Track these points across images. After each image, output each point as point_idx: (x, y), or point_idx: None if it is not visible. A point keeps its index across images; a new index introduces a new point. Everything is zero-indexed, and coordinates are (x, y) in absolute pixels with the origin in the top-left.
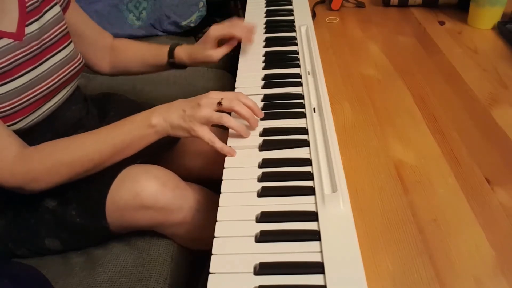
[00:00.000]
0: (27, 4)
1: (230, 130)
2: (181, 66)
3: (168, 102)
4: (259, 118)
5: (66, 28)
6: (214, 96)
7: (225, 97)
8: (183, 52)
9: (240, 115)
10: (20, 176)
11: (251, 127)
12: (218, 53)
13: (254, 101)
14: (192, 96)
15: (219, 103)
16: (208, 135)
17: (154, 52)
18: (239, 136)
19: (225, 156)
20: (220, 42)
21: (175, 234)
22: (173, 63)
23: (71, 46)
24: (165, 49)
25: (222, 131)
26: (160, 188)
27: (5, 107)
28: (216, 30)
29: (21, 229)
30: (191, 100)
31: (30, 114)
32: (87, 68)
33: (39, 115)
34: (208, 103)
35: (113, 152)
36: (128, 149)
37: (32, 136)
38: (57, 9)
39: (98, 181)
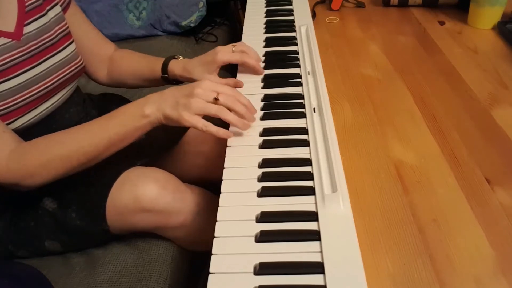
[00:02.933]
0: (27, 4)
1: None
2: (176, 81)
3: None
4: (253, 120)
5: (67, 28)
6: (210, 87)
7: (222, 91)
8: (177, 67)
9: (237, 115)
10: (16, 171)
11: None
12: (217, 81)
13: (249, 99)
14: None
15: (216, 99)
16: (200, 122)
17: (149, 66)
18: (238, 130)
19: (225, 155)
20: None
21: (175, 236)
22: (166, 79)
23: (72, 47)
24: (159, 63)
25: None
26: (160, 191)
27: (1, 106)
28: (225, 55)
29: (21, 231)
30: (184, 89)
31: (26, 113)
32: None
33: (36, 115)
34: (203, 95)
35: (108, 144)
36: (123, 141)
37: (29, 137)
38: (58, 9)
39: (98, 184)
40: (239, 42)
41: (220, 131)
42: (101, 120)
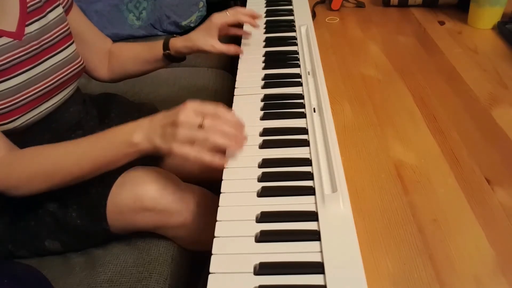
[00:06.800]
0: (28, 4)
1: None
2: (178, 58)
3: (168, 103)
4: (243, 139)
5: (68, 29)
6: (193, 110)
7: (207, 112)
8: (178, 41)
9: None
10: (1, 181)
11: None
12: (220, 46)
13: (236, 119)
14: (191, 97)
15: (200, 126)
16: (192, 152)
17: (149, 48)
18: (233, 151)
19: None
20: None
21: (175, 236)
22: (168, 55)
23: (72, 47)
24: (159, 42)
25: None
26: (160, 191)
27: (1, 105)
28: (219, 17)
29: (21, 231)
30: (170, 116)
31: (27, 113)
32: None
33: (36, 115)
34: (187, 123)
35: (93, 167)
36: (110, 165)
37: (30, 135)
38: (59, 10)
39: (98, 184)
40: (233, 7)
41: (215, 161)
42: (90, 140)
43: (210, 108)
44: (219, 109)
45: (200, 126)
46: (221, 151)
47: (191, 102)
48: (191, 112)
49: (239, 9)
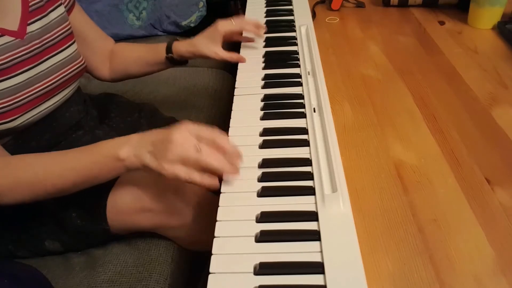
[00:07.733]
0: (30, 3)
1: (230, 127)
2: (180, 62)
3: (168, 103)
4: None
5: (69, 29)
6: (188, 132)
7: (203, 136)
8: (182, 45)
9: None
10: None
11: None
12: (223, 53)
13: (232, 148)
14: (191, 97)
15: (197, 149)
16: (182, 171)
17: (151, 50)
18: (229, 174)
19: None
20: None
21: (175, 236)
22: (171, 58)
23: (74, 47)
24: (162, 45)
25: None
26: (160, 191)
27: (2, 104)
28: (225, 25)
29: (21, 231)
30: (163, 134)
31: (27, 112)
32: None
33: (36, 114)
34: (181, 141)
35: (77, 180)
36: (95, 179)
37: (30, 135)
38: (61, 9)
39: (98, 184)
40: (239, 17)
41: (205, 180)
42: (76, 152)
43: (207, 132)
44: (216, 135)
45: (195, 150)
46: (213, 175)
47: (187, 123)
48: (186, 132)
49: (244, 18)
